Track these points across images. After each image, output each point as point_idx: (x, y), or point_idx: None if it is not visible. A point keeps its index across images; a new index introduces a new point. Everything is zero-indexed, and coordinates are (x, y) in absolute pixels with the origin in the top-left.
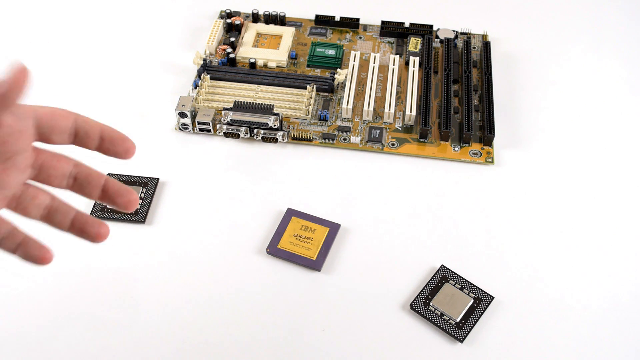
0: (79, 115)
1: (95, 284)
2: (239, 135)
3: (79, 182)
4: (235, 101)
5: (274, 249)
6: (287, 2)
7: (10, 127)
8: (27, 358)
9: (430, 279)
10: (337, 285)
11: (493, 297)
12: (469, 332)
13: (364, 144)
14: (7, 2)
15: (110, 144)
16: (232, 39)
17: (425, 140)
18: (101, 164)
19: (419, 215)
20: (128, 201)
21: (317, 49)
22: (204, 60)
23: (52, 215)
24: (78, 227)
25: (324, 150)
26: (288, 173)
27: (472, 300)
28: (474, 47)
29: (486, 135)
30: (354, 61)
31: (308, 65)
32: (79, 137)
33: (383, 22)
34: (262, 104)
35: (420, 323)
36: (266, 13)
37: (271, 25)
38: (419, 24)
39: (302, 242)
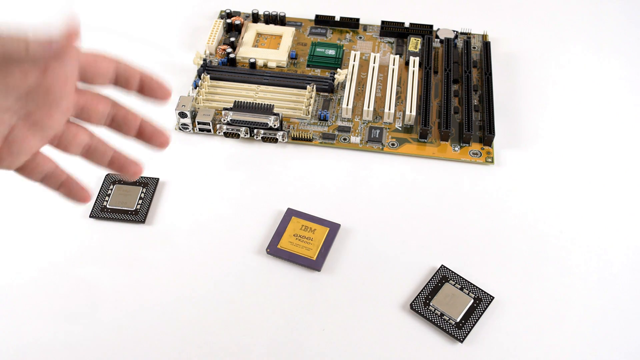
0: (121, 61)
1: (95, 283)
2: (239, 135)
3: (117, 122)
4: (235, 101)
5: (274, 249)
6: (287, 2)
7: (57, 75)
8: (25, 358)
9: (430, 279)
10: (337, 285)
11: (493, 297)
12: (469, 332)
13: (364, 144)
14: None
15: (149, 90)
16: (232, 39)
17: (425, 140)
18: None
19: (419, 215)
20: (162, 142)
21: (317, 49)
22: (204, 60)
23: (92, 154)
24: (117, 166)
25: (324, 150)
26: (288, 173)
27: (472, 300)
28: (474, 47)
29: (486, 135)
30: (354, 61)
31: (308, 65)
32: (119, 82)
33: (383, 22)
34: (262, 104)
35: (420, 323)
36: (266, 13)
37: (271, 25)
38: (419, 24)
39: (302, 242)
